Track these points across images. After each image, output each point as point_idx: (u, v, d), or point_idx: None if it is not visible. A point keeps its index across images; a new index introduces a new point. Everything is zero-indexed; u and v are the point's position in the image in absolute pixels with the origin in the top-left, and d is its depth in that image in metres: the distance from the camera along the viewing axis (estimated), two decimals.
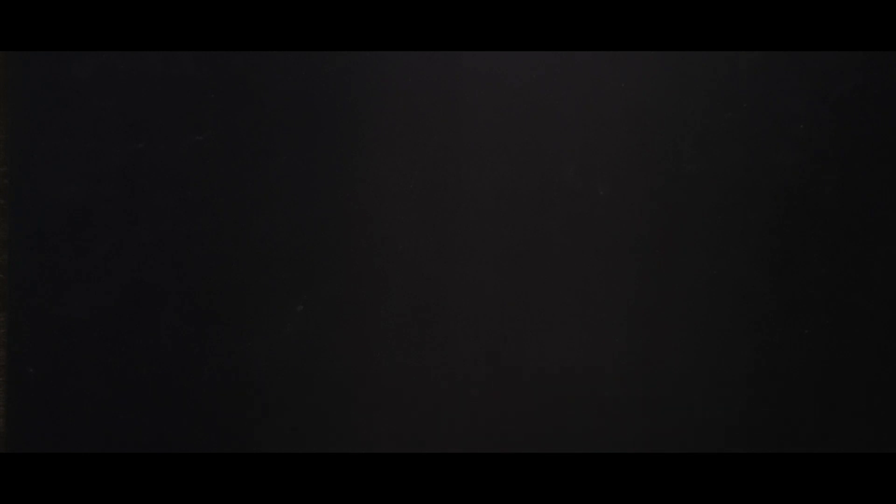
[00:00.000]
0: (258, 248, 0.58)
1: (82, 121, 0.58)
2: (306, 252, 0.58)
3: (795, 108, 0.58)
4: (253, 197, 0.58)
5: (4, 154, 0.58)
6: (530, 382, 0.59)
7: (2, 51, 0.58)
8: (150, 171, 0.58)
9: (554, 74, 0.58)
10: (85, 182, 0.58)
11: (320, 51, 0.58)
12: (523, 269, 0.59)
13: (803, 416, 0.59)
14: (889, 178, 0.58)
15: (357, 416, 0.59)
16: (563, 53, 0.58)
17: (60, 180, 0.58)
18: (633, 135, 0.58)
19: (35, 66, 0.58)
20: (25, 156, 0.58)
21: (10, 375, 0.59)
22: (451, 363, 0.59)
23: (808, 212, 0.58)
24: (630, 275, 0.59)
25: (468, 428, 0.59)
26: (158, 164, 0.58)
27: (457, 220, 0.58)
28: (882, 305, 0.59)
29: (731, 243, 0.58)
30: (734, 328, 0.58)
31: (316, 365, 0.58)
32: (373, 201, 0.58)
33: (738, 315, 0.58)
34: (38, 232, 0.58)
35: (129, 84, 0.58)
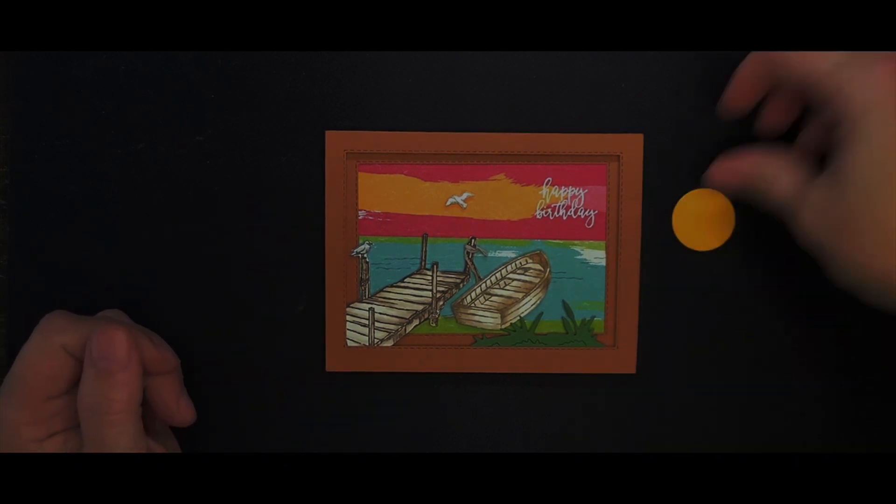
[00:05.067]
0: (258, 248, 0.58)
1: (82, 121, 0.58)
2: (307, 252, 0.58)
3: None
4: (253, 197, 0.58)
5: (4, 154, 0.58)
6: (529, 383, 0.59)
7: (2, 51, 0.58)
8: (150, 171, 0.58)
9: (554, 74, 0.58)
10: (85, 182, 0.58)
11: (320, 51, 0.58)
12: None
13: (802, 415, 0.59)
14: None
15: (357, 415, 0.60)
16: (563, 53, 0.58)
17: (60, 180, 0.58)
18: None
19: (35, 66, 0.58)
20: (25, 156, 0.58)
21: None
22: None
23: None
24: None
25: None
26: (158, 164, 0.58)
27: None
28: None
29: (731, 243, 0.58)
30: (733, 328, 0.59)
31: (317, 364, 0.58)
32: None
33: (736, 315, 0.58)
34: (38, 232, 0.58)
35: (129, 84, 0.58)
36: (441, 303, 0.59)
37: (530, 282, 0.58)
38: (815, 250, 0.51)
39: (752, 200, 0.55)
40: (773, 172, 0.54)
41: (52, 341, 0.51)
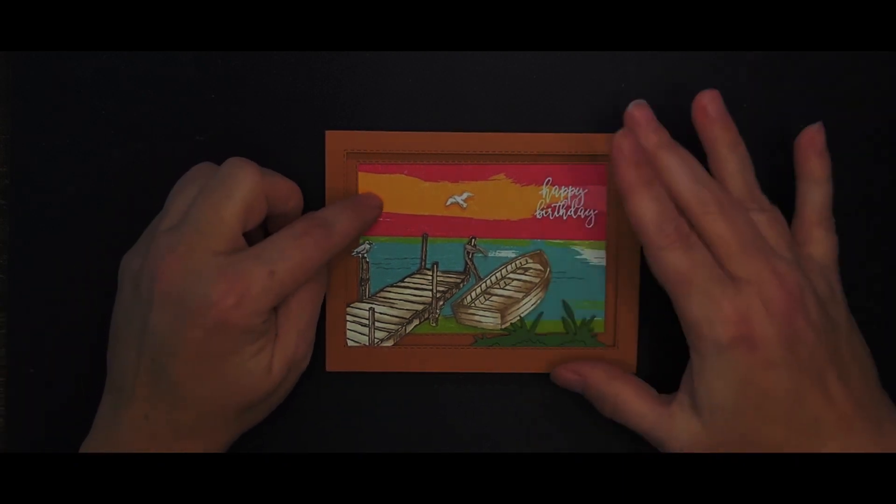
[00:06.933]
0: None
1: (82, 121, 0.58)
2: None
3: (795, 108, 0.58)
4: None
5: (4, 154, 0.58)
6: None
7: (2, 51, 0.58)
8: (150, 171, 0.58)
9: (554, 74, 0.58)
10: (85, 182, 0.58)
11: (320, 51, 0.58)
12: None
13: None
14: (889, 178, 0.58)
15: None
16: (563, 53, 0.58)
17: (60, 180, 0.58)
18: None
19: (35, 66, 0.58)
20: (25, 156, 0.58)
21: (10, 375, 0.59)
22: None
23: None
24: None
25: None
26: (158, 164, 0.58)
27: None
28: (882, 305, 0.59)
29: None
30: None
31: (317, 364, 0.58)
32: None
33: None
34: (38, 232, 0.58)
35: (129, 84, 0.58)
36: (441, 303, 0.59)
37: (530, 282, 0.58)
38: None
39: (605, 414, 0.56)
40: (624, 398, 0.55)
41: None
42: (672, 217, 0.51)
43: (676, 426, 0.52)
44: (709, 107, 0.54)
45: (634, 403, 0.54)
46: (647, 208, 0.51)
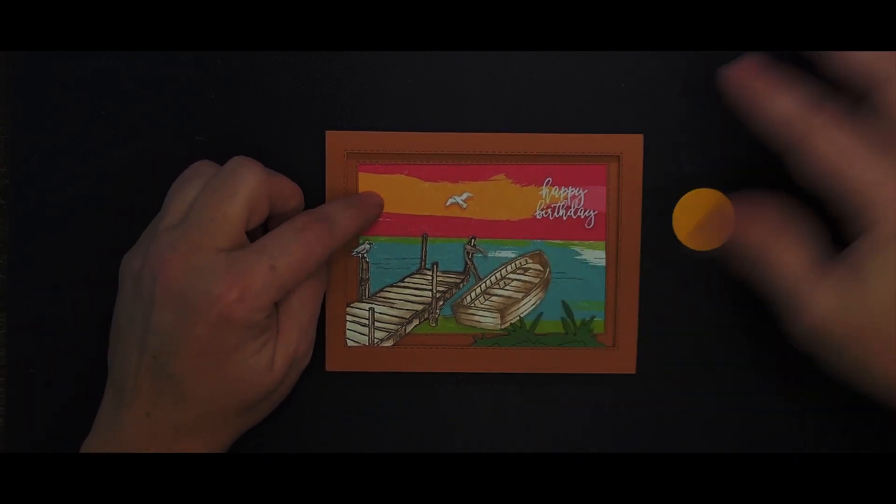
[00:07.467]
0: None
1: (82, 121, 0.58)
2: None
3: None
4: None
5: (4, 154, 0.58)
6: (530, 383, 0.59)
7: (2, 51, 0.58)
8: (150, 171, 0.58)
9: (554, 74, 0.58)
10: (85, 182, 0.58)
11: (320, 51, 0.58)
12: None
13: (802, 415, 0.59)
14: None
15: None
16: (563, 53, 0.58)
17: (60, 180, 0.58)
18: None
19: (35, 66, 0.58)
20: (25, 156, 0.58)
21: (10, 375, 0.59)
22: None
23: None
24: None
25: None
26: (158, 164, 0.58)
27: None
28: None
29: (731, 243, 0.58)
30: (733, 328, 0.59)
31: (317, 364, 0.58)
32: None
33: (736, 315, 0.58)
34: (38, 232, 0.58)
35: (129, 84, 0.58)
36: (441, 303, 0.59)
37: (530, 282, 0.58)
38: (822, 347, 0.50)
39: (746, 276, 0.53)
40: (780, 247, 0.51)
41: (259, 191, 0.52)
42: (814, 103, 0.48)
43: (819, 292, 0.48)
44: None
45: (786, 252, 0.50)
46: (781, 103, 0.48)
